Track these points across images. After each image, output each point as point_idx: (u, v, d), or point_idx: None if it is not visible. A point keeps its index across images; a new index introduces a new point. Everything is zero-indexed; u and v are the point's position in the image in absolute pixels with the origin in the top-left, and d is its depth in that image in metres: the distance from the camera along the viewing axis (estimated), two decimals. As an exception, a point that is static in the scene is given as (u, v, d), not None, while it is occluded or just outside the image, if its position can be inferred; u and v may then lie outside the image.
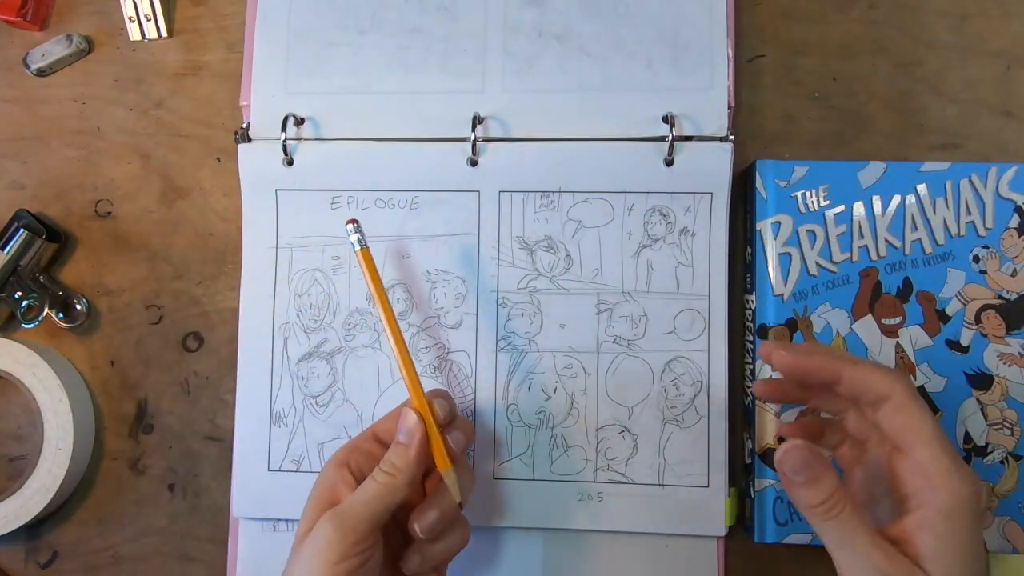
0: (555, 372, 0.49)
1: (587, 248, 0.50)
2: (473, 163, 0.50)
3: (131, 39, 0.55)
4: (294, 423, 0.50)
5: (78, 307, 0.53)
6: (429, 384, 0.50)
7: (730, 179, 0.49)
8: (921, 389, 0.48)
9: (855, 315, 0.48)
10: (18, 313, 0.52)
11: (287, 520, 0.50)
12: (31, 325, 0.52)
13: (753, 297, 0.49)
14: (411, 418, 0.42)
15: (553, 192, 0.50)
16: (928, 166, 0.49)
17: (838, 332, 0.48)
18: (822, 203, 0.49)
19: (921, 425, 0.37)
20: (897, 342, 0.48)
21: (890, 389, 0.38)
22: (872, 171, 0.49)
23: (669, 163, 0.49)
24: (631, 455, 0.49)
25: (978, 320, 0.48)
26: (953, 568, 0.35)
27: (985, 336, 0.48)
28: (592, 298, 0.50)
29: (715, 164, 0.49)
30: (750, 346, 0.50)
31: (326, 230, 0.51)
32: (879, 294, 0.48)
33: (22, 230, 0.52)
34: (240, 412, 0.51)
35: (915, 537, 0.36)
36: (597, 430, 0.49)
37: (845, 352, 0.41)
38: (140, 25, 0.54)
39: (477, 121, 0.49)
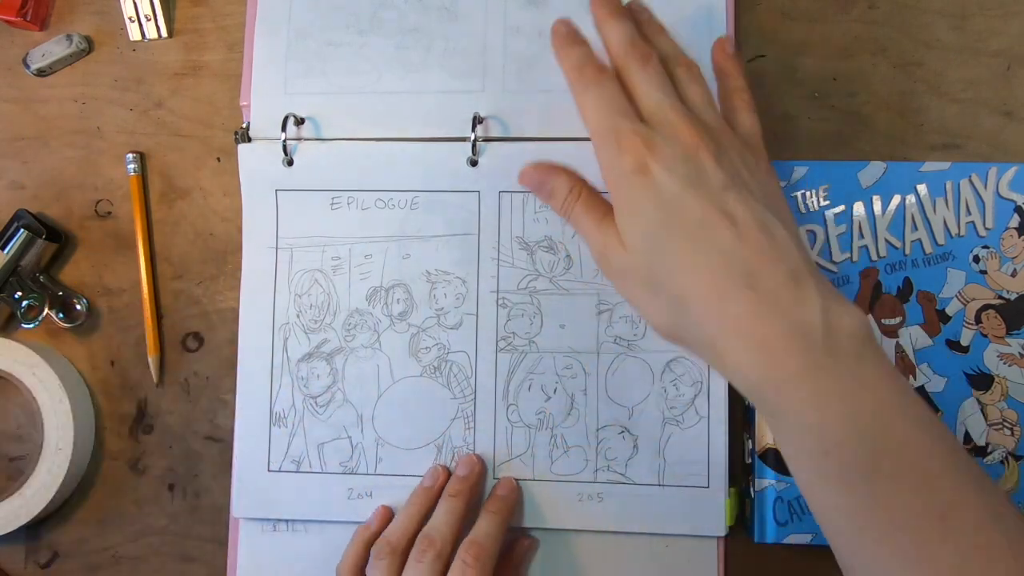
0: (555, 372, 0.49)
1: (587, 248, 0.50)
2: (473, 163, 0.50)
3: (131, 39, 0.55)
4: (294, 423, 0.50)
5: (78, 307, 0.53)
6: (428, 383, 0.50)
7: (730, 179, 0.49)
8: (921, 389, 0.48)
9: (855, 315, 0.48)
10: (18, 313, 0.52)
11: (287, 520, 0.50)
12: (31, 325, 0.52)
13: (753, 297, 0.49)
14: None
15: (553, 192, 0.50)
16: (928, 166, 0.49)
17: (838, 332, 0.48)
18: (822, 203, 0.49)
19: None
20: (897, 342, 0.48)
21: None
22: (872, 171, 0.49)
23: (669, 163, 0.49)
24: (631, 455, 0.49)
25: (978, 320, 0.48)
26: (627, 225, 0.39)
27: (985, 336, 0.48)
28: (592, 298, 0.50)
29: (715, 164, 0.49)
30: (750, 346, 0.50)
31: (326, 230, 0.51)
32: (879, 294, 0.48)
33: (22, 230, 0.52)
34: (240, 412, 0.51)
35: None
36: (597, 430, 0.49)
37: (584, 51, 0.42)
38: (140, 25, 0.54)
39: (477, 121, 0.49)
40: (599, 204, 0.41)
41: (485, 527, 0.45)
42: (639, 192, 0.38)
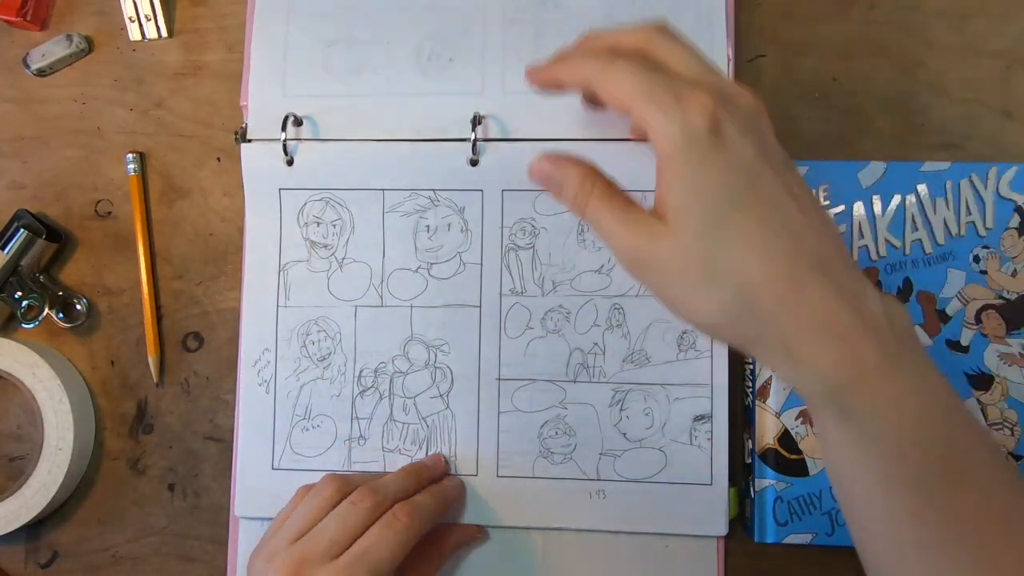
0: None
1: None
2: (474, 163, 0.50)
3: (131, 39, 0.55)
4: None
5: (78, 307, 0.53)
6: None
7: (730, 179, 0.49)
8: (921, 389, 0.48)
9: (855, 315, 0.48)
10: (18, 313, 0.52)
11: (287, 520, 0.50)
12: (31, 325, 0.52)
13: (753, 297, 0.49)
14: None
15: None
16: (928, 166, 0.49)
17: (838, 332, 0.48)
18: (822, 203, 0.49)
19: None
20: (897, 342, 0.48)
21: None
22: (872, 171, 0.49)
23: (669, 163, 0.49)
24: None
25: (978, 320, 0.48)
26: (686, 200, 0.32)
27: (985, 336, 0.48)
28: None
29: (715, 164, 0.49)
30: (750, 346, 0.50)
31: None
32: (879, 294, 0.48)
33: (22, 230, 0.52)
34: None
35: (658, 193, 0.33)
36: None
37: (600, 45, 0.36)
38: (140, 25, 0.54)
39: (477, 121, 0.49)
40: (618, 194, 0.35)
41: (423, 498, 0.45)
42: (710, 158, 0.31)
